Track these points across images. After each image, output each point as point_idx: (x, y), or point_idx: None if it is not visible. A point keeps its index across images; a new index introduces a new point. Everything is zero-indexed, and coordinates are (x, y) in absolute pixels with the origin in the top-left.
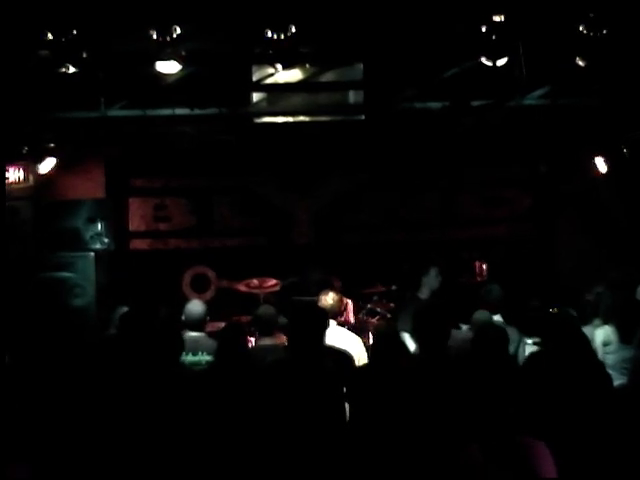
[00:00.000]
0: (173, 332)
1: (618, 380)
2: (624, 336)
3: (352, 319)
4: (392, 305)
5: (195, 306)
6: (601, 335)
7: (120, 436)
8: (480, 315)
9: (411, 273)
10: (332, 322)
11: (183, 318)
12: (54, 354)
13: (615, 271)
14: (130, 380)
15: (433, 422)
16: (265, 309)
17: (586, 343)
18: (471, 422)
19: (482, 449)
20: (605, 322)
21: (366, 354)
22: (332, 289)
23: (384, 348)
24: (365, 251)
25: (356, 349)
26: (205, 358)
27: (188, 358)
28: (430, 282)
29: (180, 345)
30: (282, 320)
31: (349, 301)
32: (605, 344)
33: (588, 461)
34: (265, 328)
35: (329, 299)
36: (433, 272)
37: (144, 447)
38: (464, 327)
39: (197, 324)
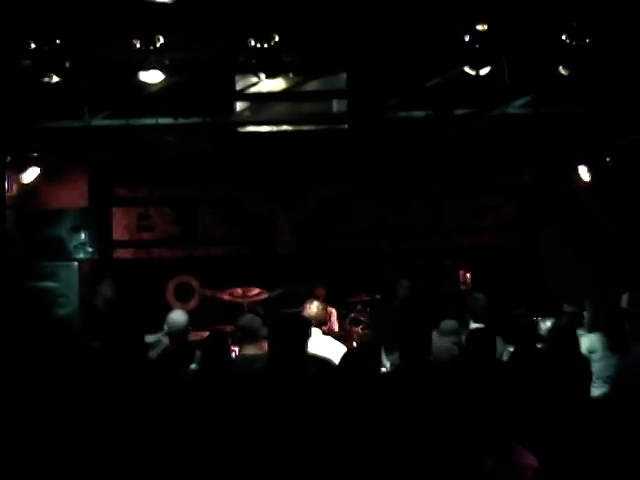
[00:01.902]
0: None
1: (602, 388)
2: (611, 345)
3: (336, 328)
4: None
5: (177, 316)
6: (586, 343)
7: (106, 445)
8: (447, 324)
9: (392, 281)
10: (317, 331)
11: (165, 328)
12: (39, 364)
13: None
14: (114, 389)
15: (419, 429)
16: (249, 318)
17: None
18: (461, 428)
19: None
20: (590, 331)
21: None
22: (317, 298)
23: (364, 359)
24: (349, 260)
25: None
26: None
27: None
28: (401, 293)
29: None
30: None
31: (333, 310)
32: (590, 352)
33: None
34: (249, 337)
35: (314, 308)
36: (404, 283)
37: (129, 456)
38: (434, 334)
39: (179, 334)
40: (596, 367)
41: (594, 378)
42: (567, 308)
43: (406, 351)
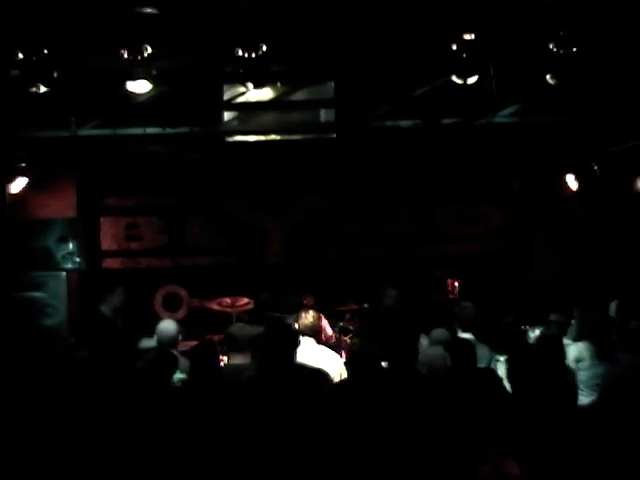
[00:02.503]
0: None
1: (590, 397)
2: (598, 353)
3: (334, 338)
4: None
5: (167, 325)
6: (574, 352)
7: (93, 454)
8: (438, 333)
9: (382, 289)
10: (312, 341)
11: (155, 337)
12: (27, 374)
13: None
14: (103, 398)
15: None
16: (238, 327)
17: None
18: (455, 435)
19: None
20: (578, 339)
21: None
22: (312, 308)
23: (359, 367)
24: (338, 268)
25: (336, 367)
26: (178, 377)
27: None
28: (386, 301)
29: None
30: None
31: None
32: (578, 360)
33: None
34: (237, 347)
35: (309, 317)
36: (390, 292)
37: (118, 465)
38: (424, 342)
39: (169, 343)
40: (584, 376)
41: (582, 387)
42: (553, 317)
43: (392, 357)
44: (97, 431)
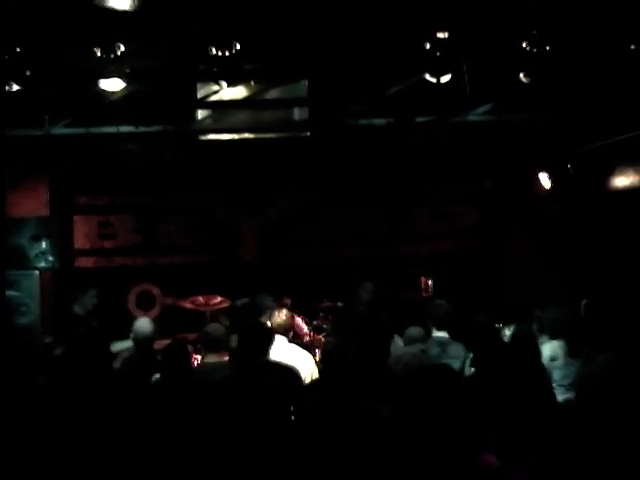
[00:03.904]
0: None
1: (565, 395)
2: (572, 351)
3: (308, 337)
4: None
5: (143, 324)
6: (548, 350)
7: (67, 454)
8: (413, 332)
9: (356, 288)
10: (283, 339)
11: (131, 336)
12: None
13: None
14: (77, 397)
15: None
16: (213, 327)
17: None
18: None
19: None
20: (552, 338)
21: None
22: (285, 307)
23: (331, 366)
24: (312, 267)
25: (307, 366)
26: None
27: None
28: (363, 295)
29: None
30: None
31: (299, 319)
32: (552, 359)
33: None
34: (212, 346)
35: (282, 316)
36: (367, 286)
37: (91, 465)
38: (399, 342)
39: (145, 342)
40: (558, 374)
41: (556, 385)
42: (539, 313)
43: (366, 356)
44: (70, 430)
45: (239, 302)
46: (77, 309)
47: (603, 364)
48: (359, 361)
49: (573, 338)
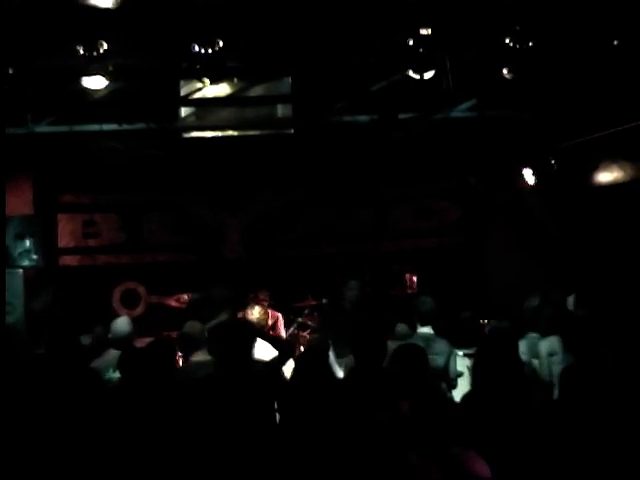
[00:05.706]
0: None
1: None
2: (567, 346)
3: (284, 333)
4: None
5: (121, 323)
6: (546, 346)
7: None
8: (401, 329)
9: (341, 285)
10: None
11: (110, 336)
12: None
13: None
14: (56, 396)
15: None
16: (189, 326)
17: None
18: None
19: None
20: (546, 334)
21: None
22: (257, 303)
23: (312, 363)
24: (296, 265)
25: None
26: (113, 375)
27: (115, 375)
28: (349, 294)
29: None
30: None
31: (279, 315)
32: (551, 354)
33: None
34: (192, 344)
35: (255, 313)
36: (352, 284)
37: (71, 465)
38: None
39: (123, 341)
40: (557, 369)
41: (555, 380)
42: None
43: (362, 355)
44: (50, 430)
45: (194, 296)
46: (35, 307)
47: (590, 360)
48: (357, 364)
49: (566, 333)
